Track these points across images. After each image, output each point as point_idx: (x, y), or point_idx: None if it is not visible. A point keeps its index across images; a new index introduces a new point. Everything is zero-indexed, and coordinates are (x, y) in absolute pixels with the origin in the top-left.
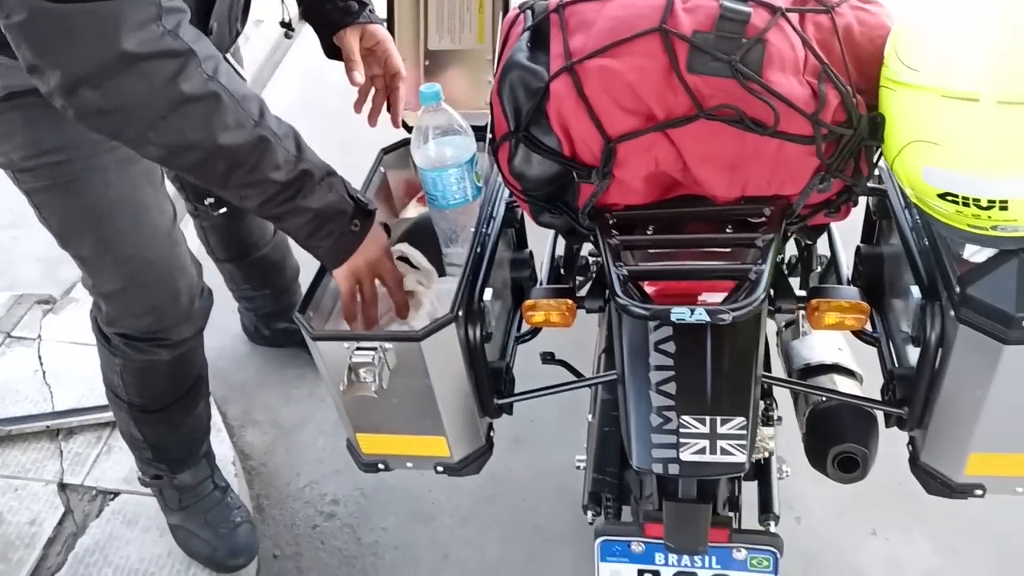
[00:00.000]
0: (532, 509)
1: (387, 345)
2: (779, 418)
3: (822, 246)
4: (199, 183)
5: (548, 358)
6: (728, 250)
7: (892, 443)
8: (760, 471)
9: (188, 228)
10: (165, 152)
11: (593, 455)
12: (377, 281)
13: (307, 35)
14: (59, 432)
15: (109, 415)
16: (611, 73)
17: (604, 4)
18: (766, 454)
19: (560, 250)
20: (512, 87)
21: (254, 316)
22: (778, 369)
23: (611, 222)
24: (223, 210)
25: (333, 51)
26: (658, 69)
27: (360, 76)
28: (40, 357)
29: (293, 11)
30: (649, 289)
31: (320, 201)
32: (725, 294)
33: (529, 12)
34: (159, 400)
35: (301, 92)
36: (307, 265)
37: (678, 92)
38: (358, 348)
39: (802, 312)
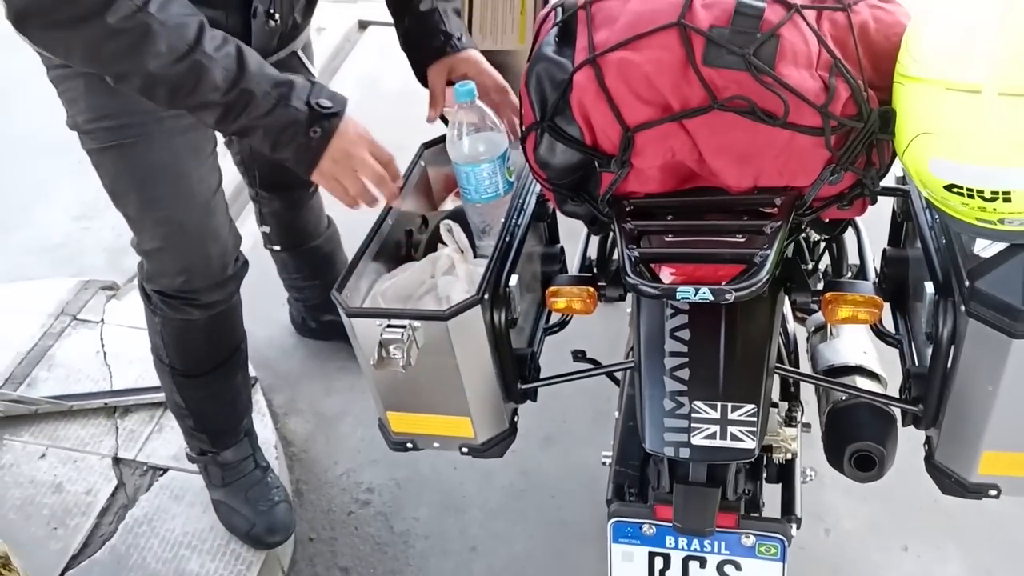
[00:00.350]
0: (560, 506)
1: (416, 323)
2: (807, 425)
3: (853, 254)
4: (158, 106)
5: (579, 356)
6: (742, 238)
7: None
8: (783, 473)
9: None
10: (113, 79)
11: (617, 449)
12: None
13: (364, 43)
14: (116, 410)
15: (162, 396)
16: (629, 65)
17: (628, 0)
18: (789, 455)
19: (593, 249)
20: (539, 79)
21: (302, 307)
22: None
23: (628, 209)
24: (277, 247)
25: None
26: (674, 61)
27: (432, 114)
28: (102, 339)
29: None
30: (670, 277)
31: (267, 116)
32: (717, 286)
33: (559, 9)
34: (198, 365)
35: (357, 97)
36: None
37: (693, 84)
38: (389, 325)
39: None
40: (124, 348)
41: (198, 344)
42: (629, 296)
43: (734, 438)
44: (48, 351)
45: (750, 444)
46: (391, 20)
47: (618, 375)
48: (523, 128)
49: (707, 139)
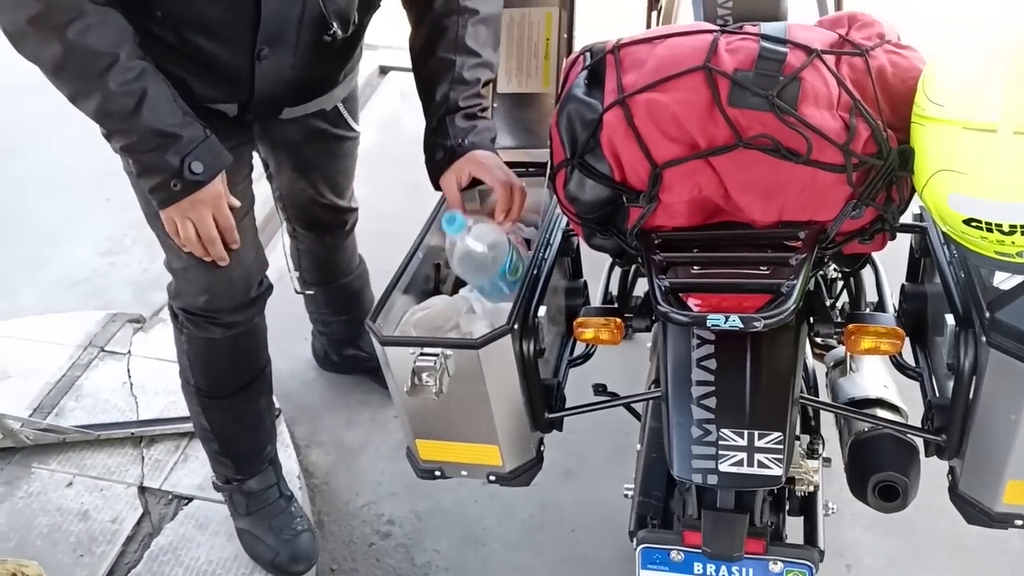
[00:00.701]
0: (579, 539)
1: (448, 352)
2: (827, 459)
3: (870, 292)
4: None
5: (600, 389)
6: (766, 270)
7: (947, 494)
8: (805, 505)
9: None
10: (34, 65)
11: (640, 481)
12: None
13: (384, 88)
14: (142, 439)
15: (188, 426)
16: (658, 105)
17: (655, 45)
18: (811, 488)
19: (614, 284)
20: (569, 118)
21: (326, 341)
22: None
23: (656, 242)
24: (310, 292)
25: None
26: (701, 102)
27: None
28: (129, 371)
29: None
30: (695, 307)
31: (141, 154)
32: (747, 314)
33: (588, 54)
34: (222, 386)
35: (378, 139)
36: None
37: (719, 123)
38: (422, 353)
39: (850, 354)
40: (150, 380)
41: (222, 364)
42: (653, 329)
43: (761, 465)
44: (76, 381)
45: (777, 471)
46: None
47: (638, 408)
48: (553, 165)
49: (733, 175)
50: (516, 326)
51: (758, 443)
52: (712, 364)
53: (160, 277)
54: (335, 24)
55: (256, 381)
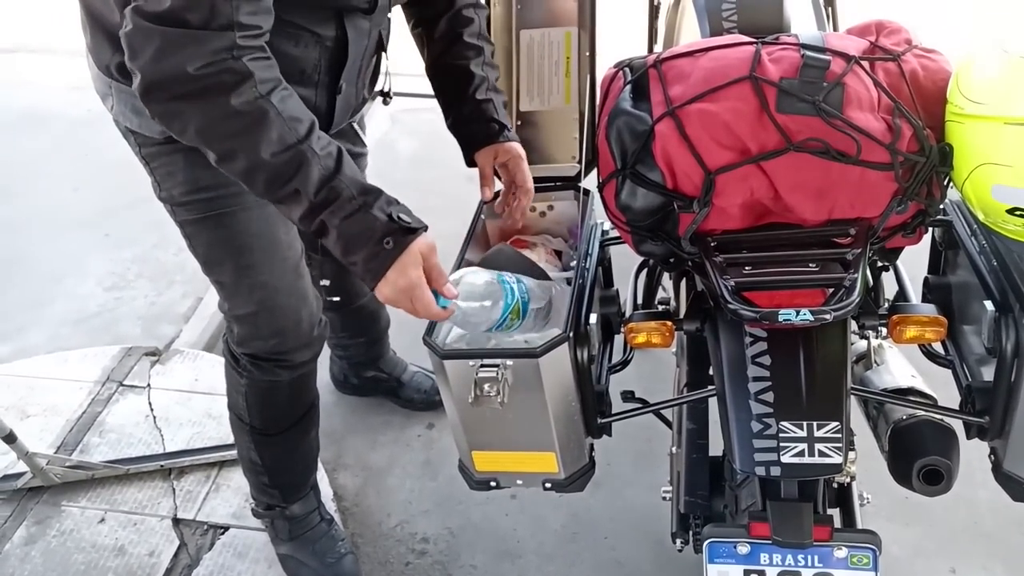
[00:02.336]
0: (612, 546)
1: (508, 362)
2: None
3: (888, 290)
4: (251, 192)
5: (628, 396)
6: (815, 266)
7: (966, 487)
8: (842, 496)
9: None
10: (217, 157)
11: (682, 483)
12: None
13: (374, 113)
14: (171, 472)
15: (218, 455)
16: (709, 115)
17: (697, 59)
18: (847, 479)
19: (639, 288)
20: (619, 131)
21: (345, 365)
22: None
23: (712, 244)
24: (336, 298)
25: (473, 163)
26: (750, 110)
27: (488, 192)
28: (151, 403)
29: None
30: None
31: (346, 219)
32: (817, 307)
33: (627, 69)
34: (278, 424)
35: (374, 162)
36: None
37: (769, 129)
38: (483, 365)
39: (873, 344)
40: (173, 412)
41: (281, 404)
42: (675, 336)
43: (821, 454)
44: (98, 417)
45: (836, 459)
46: (400, 92)
47: (668, 414)
48: (601, 178)
49: (784, 178)
50: (571, 334)
51: (817, 433)
52: (766, 360)
53: (169, 309)
54: (386, 47)
55: (308, 415)
